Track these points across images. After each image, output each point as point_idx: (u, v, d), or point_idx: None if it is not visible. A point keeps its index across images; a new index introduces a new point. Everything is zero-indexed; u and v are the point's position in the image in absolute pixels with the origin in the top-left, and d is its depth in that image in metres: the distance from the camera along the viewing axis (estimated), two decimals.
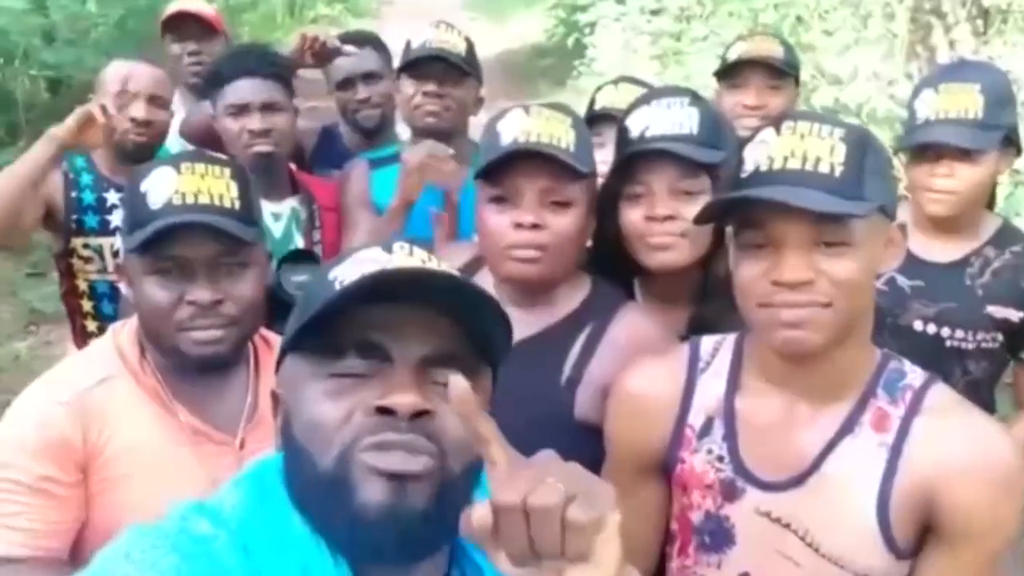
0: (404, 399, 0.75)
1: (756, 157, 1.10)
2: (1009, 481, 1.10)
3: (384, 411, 0.76)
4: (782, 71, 2.39)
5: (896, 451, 1.13)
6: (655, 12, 7.49)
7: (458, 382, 0.70)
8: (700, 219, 1.18)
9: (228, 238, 1.30)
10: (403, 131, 2.52)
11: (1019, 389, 2.02)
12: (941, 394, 1.17)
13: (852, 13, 5.99)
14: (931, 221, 1.94)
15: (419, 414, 0.76)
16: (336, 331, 0.80)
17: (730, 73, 2.45)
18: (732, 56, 2.50)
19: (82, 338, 2.27)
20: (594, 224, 1.50)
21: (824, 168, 1.06)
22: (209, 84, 2.19)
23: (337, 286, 0.80)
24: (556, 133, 1.40)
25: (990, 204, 2.03)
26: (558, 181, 1.39)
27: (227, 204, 1.32)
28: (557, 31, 10.44)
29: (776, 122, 1.12)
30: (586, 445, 1.29)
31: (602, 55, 7.88)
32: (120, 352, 1.38)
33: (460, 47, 2.20)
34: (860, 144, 1.09)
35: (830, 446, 1.15)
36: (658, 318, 1.50)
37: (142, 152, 2.16)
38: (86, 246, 2.26)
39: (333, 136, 2.70)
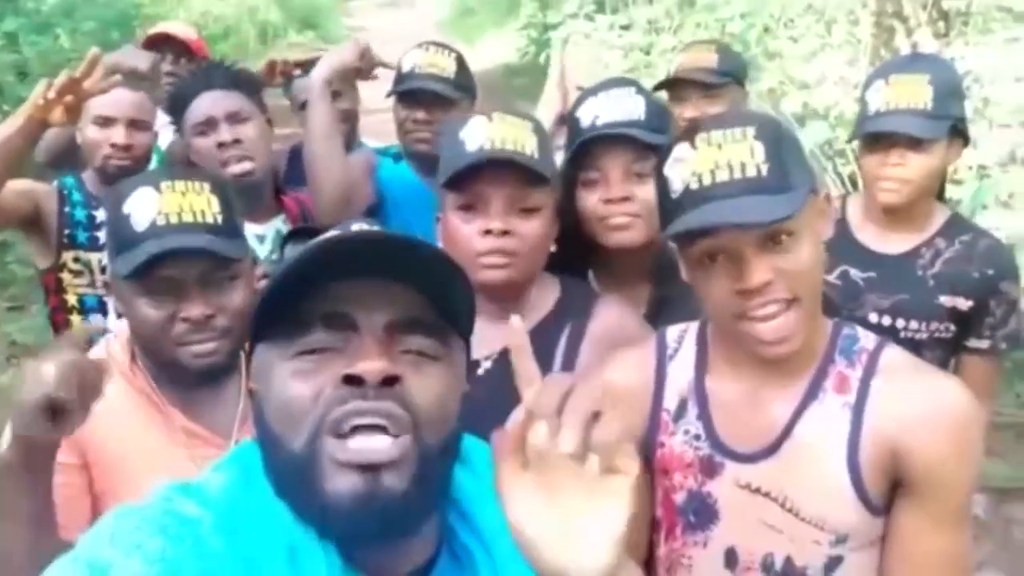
0: (371, 365, 0.74)
1: (681, 175, 1.13)
2: (966, 428, 1.14)
3: (352, 380, 0.74)
4: (713, 83, 2.45)
5: (858, 410, 1.17)
6: (625, 27, 7.59)
7: (515, 319, 0.72)
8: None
9: (216, 256, 1.32)
10: (368, 142, 2.57)
11: (964, 377, 1.98)
12: (893, 354, 1.21)
13: (817, 20, 6.11)
14: (883, 213, 1.97)
15: (388, 381, 0.75)
16: (299, 308, 0.79)
17: (669, 88, 2.53)
18: (672, 69, 2.60)
19: None
20: (557, 227, 1.50)
21: (751, 171, 1.09)
22: (174, 111, 2.14)
23: (290, 261, 0.80)
24: (520, 139, 1.41)
25: (940, 195, 2.07)
26: (525, 188, 1.40)
27: (210, 220, 1.33)
28: (529, 50, 10.54)
29: (688, 136, 1.14)
30: None
31: (574, 71, 7.95)
32: (111, 358, 1.38)
33: (450, 69, 2.20)
34: (774, 137, 1.12)
35: (798, 413, 1.19)
36: (619, 296, 1.55)
37: (124, 176, 2.17)
38: (76, 260, 2.29)
39: (302, 156, 2.73)
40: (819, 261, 1.16)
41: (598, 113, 1.57)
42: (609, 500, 0.68)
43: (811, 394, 1.20)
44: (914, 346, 1.93)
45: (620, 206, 1.53)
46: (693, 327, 1.31)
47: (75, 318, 2.32)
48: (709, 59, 2.52)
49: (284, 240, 1.95)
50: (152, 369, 1.39)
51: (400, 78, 2.21)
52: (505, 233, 1.39)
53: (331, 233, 0.82)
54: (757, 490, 1.20)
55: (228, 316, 1.34)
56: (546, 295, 1.51)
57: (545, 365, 1.43)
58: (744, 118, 1.16)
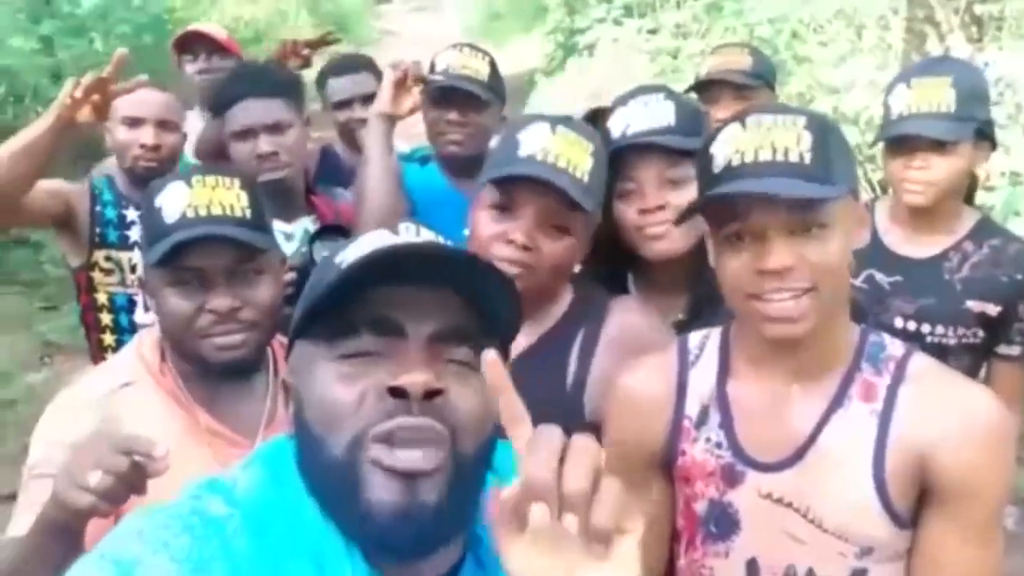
0: (416, 378, 0.74)
1: (726, 152, 1.13)
2: (997, 437, 1.12)
3: (396, 392, 0.75)
4: (746, 84, 2.44)
5: (885, 418, 1.15)
6: (652, 31, 7.58)
7: (490, 354, 0.70)
8: (684, 217, 1.22)
9: (243, 246, 1.34)
10: (399, 144, 2.58)
11: (994, 385, 1.98)
12: (922, 361, 1.19)
13: (847, 24, 6.06)
14: (910, 215, 1.96)
15: (431, 394, 0.75)
16: (347, 311, 0.79)
17: (701, 90, 2.52)
18: (702, 72, 2.58)
19: (100, 353, 2.33)
20: (587, 251, 1.48)
21: (794, 157, 1.09)
22: (214, 109, 2.20)
23: (344, 266, 0.80)
24: (574, 159, 1.38)
25: (969, 199, 2.04)
26: (561, 207, 1.38)
27: (239, 214, 1.36)
28: (556, 55, 10.54)
29: (740, 117, 1.15)
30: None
31: (602, 76, 7.96)
32: (142, 358, 1.42)
33: (483, 72, 2.19)
34: (823, 131, 1.12)
35: (823, 421, 1.17)
36: (656, 307, 1.54)
37: (154, 176, 2.20)
38: (108, 259, 2.32)
39: (332, 155, 2.76)
40: (846, 263, 1.14)
41: (629, 122, 1.54)
42: (615, 560, 0.65)
43: (836, 402, 1.17)
44: (941, 352, 1.90)
45: (656, 215, 1.50)
46: (716, 332, 1.29)
47: (104, 316, 2.35)
48: (742, 61, 2.51)
49: (312, 238, 1.96)
50: (180, 367, 1.40)
51: (431, 80, 2.22)
52: (526, 248, 1.37)
53: (386, 243, 0.81)
54: (779, 500, 1.18)
55: (254, 310, 1.35)
56: (560, 299, 1.49)
57: (559, 369, 1.44)
58: (797, 109, 1.16)
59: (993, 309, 1.92)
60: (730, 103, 2.41)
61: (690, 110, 1.57)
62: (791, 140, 1.10)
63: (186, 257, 1.32)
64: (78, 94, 1.88)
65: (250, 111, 2.05)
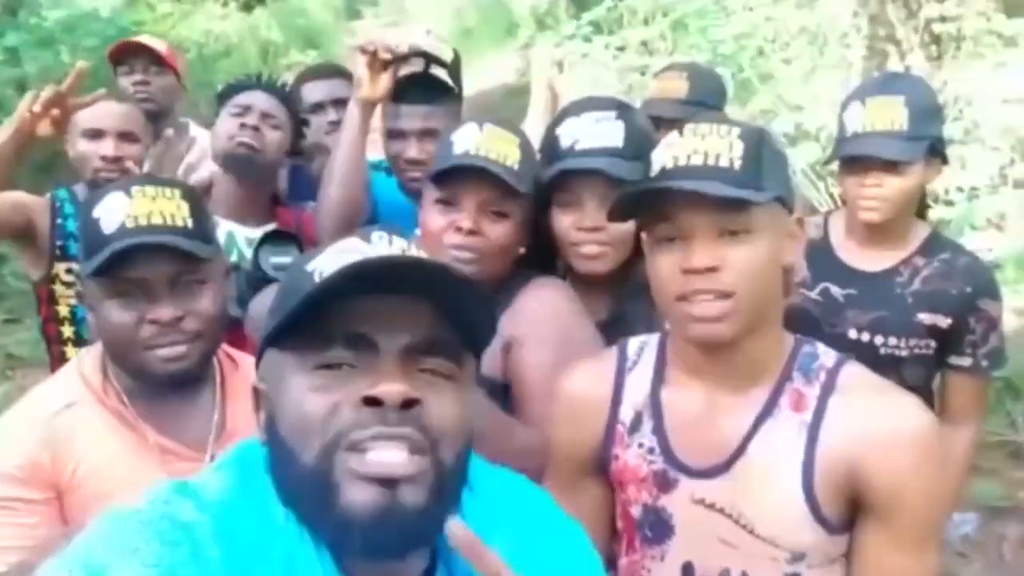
0: (392, 388, 0.75)
1: (661, 158, 1.17)
2: (926, 448, 1.13)
3: (372, 402, 0.75)
4: (676, 118, 2.48)
5: (814, 429, 1.16)
6: (620, 48, 7.65)
7: (455, 526, 0.71)
8: (613, 216, 1.25)
9: (184, 256, 1.32)
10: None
11: (945, 395, 2.04)
12: (853, 371, 1.21)
13: (810, 42, 6.16)
14: (864, 230, 1.99)
15: (408, 404, 0.76)
16: (321, 323, 0.79)
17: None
18: (645, 97, 2.66)
19: (60, 366, 2.29)
20: (526, 235, 1.60)
21: (724, 163, 1.13)
22: (221, 98, 2.27)
23: (317, 277, 0.80)
24: (504, 150, 1.52)
25: (920, 213, 2.09)
26: (498, 194, 1.52)
27: (179, 223, 1.34)
28: (527, 71, 10.58)
29: (680, 127, 1.19)
30: (487, 398, 1.41)
31: (571, 92, 8.01)
32: (83, 378, 1.39)
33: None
34: (757, 141, 1.16)
35: (752, 430, 1.19)
36: (582, 301, 1.60)
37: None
38: (68, 271, 2.31)
39: (301, 171, 2.76)
40: (771, 273, 1.16)
41: (578, 137, 1.59)
42: None
43: (766, 411, 1.19)
44: (895, 362, 1.95)
45: (592, 235, 1.57)
46: (654, 339, 1.31)
47: (66, 329, 2.34)
48: (678, 88, 2.57)
49: (259, 242, 1.96)
50: (124, 384, 1.38)
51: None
52: (473, 232, 1.50)
53: (354, 255, 0.82)
54: (712, 506, 1.20)
55: (197, 320, 1.34)
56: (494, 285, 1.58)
57: None
58: (735, 123, 1.20)
59: (944, 321, 1.95)
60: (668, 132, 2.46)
61: (639, 133, 1.61)
62: (723, 147, 1.14)
63: (127, 268, 1.30)
64: (37, 108, 1.88)
65: (252, 96, 2.20)
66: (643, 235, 1.24)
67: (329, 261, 0.82)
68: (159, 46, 2.97)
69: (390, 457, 0.75)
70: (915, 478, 1.13)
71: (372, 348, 0.78)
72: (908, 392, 1.21)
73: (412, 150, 2.07)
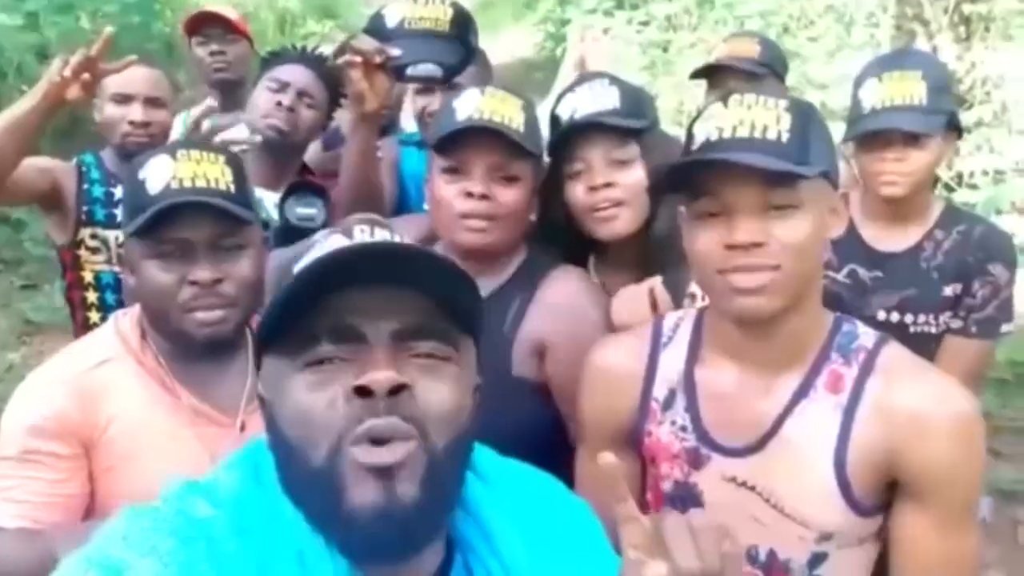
0: (378, 376, 0.75)
1: (706, 130, 1.14)
2: (967, 429, 1.12)
3: (361, 391, 0.75)
4: (754, 72, 2.45)
5: (850, 412, 1.15)
6: (643, 23, 7.56)
7: (606, 457, 0.76)
8: (656, 189, 1.23)
9: (226, 218, 1.33)
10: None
11: (939, 360, 1.98)
12: (893, 352, 1.19)
13: (836, 20, 6.08)
14: (884, 208, 1.97)
15: (397, 390, 0.75)
16: (307, 321, 0.79)
17: (707, 75, 2.53)
18: (712, 58, 2.60)
19: (85, 332, 2.29)
20: (537, 203, 1.59)
21: (771, 135, 1.10)
22: (263, 67, 2.28)
23: (294, 276, 0.79)
24: (507, 113, 1.50)
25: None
26: (506, 157, 1.49)
27: (223, 187, 1.36)
28: (547, 45, 10.51)
29: (723, 97, 1.16)
30: (525, 401, 1.41)
31: (591, 67, 7.93)
32: (121, 336, 1.40)
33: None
34: (804, 114, 1.13)
35: (787, 410, 1.17)
36: (614, 285, 1.60)
37: (143, 153, 2.20)
38: (94, 236, 2.31)
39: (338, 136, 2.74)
40: (816, 248, 1.14)
41: (576, 107, 1.61)
42: None
43: (802, 391, 1.18)
44: (927, 340, 1.94)
45: (604, 192, 1.56)
46: (690, 315, 1.30)
47: (90, 294, 2.34)
48: (751, 50, 2.53)
49: (284, 195, 1.97)
50: (161, 345, 1.39)
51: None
52: (484, 197, 1.47)
53: (333, 247, 0.81)
54: (743, 484, 1.19)
55: (235, 284, 1.35)
56: (512, 262, 1.58)
57: (496, 331, 1.50)
58: (780, 94, 1.17)
59: (959, 288, 1.95)
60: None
61: (634, 94, 1.64)
62: (770, 119, 1.11)
63: (169, 228, 1.32)
64: (67, 73, 1.87)
65: (293, 71, 2.20)
66: (681, 209, 1.21)
67: (307, 258, 0.82)
68: (231, 14, 2.98)
69: (381, 451, 0.75)
70: (957, 463, 1.11)
71: (360, 339, 0.78)
72: (947, 374, 1.20)
73: (438, 102, 2.08)
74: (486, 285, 1.53)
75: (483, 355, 1.45)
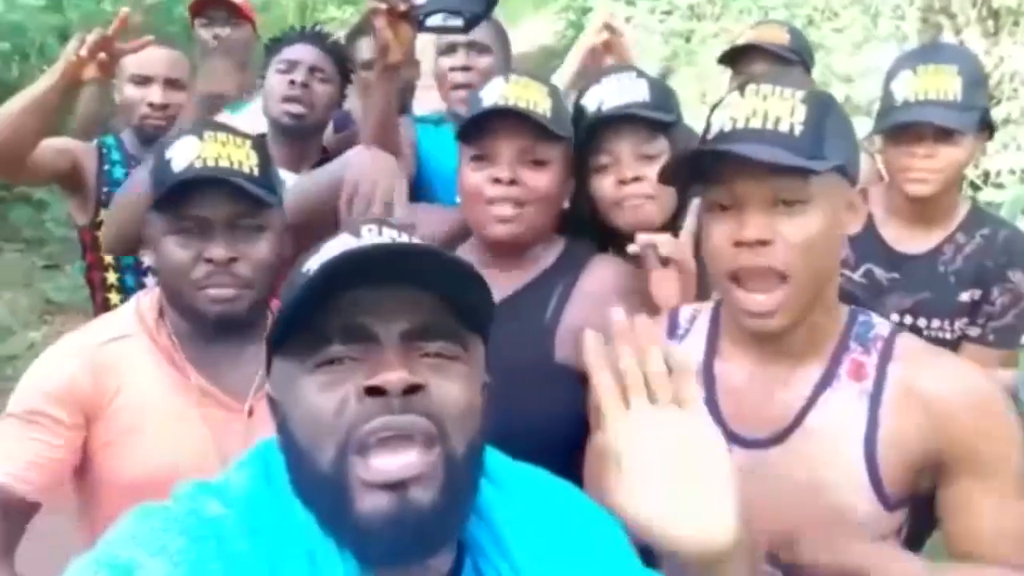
0: (392, 375, 0.74)
1: (720, 119, 1.13)
2: (997, 402, 1.12)
3: (375, 391, 0.74)
4: (784, 57, 2.41)
5: (876, 397, 1.14)
6: (666, 12, 7.52)
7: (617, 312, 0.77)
8: (664, 178, 1.21)
9: (245, 198, 1.34)
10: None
11: None
12: (909, 340, 1.19)
13: (862, 12, 6.01)
14: (908, 207, 1.91)
15: (411, 390, 0.75)
16: (318, 322, 0.78)
17: (735, 60, 2.48)
18: (739, 42, 2.53)
19: (104, 312, 2.30)
20: (572, 186, 1.57)
21: (784, 127, 1.08)
22: (268, 52, 2.26)
23: (306, 278, 0.79)
24: (533, 98, 1.48)
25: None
26: (534, 141, 1.47)
27: (246, 170, 1.36)
28: (567, 33, 10.46)
29: (742, 85, 1.14)
30: (566, 388, 1.37)
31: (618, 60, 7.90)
32: (139, 314, 1.42)
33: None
34: (821, 106, 1.10)
35: (811, 400, 1.16)
36: (639, 274, 1.55)
37: (162, 134, 2.20)
38: None
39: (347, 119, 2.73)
40: (829, 247, 1.12)
41: (603, 98, 1.58)
42: (694, 413, 0.77)
43: (825, 381, 1.16)
44: (941, 345, 1.89)
45: (633, 186, 1.54)
46: (707, 307, 1.28)
47: (110, 275, 2.35)
48: (780, 36, 2.47)
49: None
50: (176, 324, 1.40)
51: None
52: (513, 183, 1.46)
53: (343, 248, 0.80)
54: (764, 476, 1.17)
55: (250, 265, 1.36)
56: (549, 251, 1.56)
57: (538, 316, 1.49)
58: (799, 83, 1.14)
59: (976, 294, 1.90)
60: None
61: (662, 88, 1.62)
62: (784, 110, 1.09)
63: (189, 204, 1.33)
64: (83, 52, 1.89)
65: (300, 50, 2.18)
66: (697, 200, 1.20)
67: (318, 259, 0.80)
68: None
69: (397, 461, 0.74)
70: (999, 430, 1.11)
71: (371, 339, 0.77)
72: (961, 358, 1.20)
73: (460, 59, 2.08)
74: (521, 277, 1.53)
75: (524, 343, 1.47)
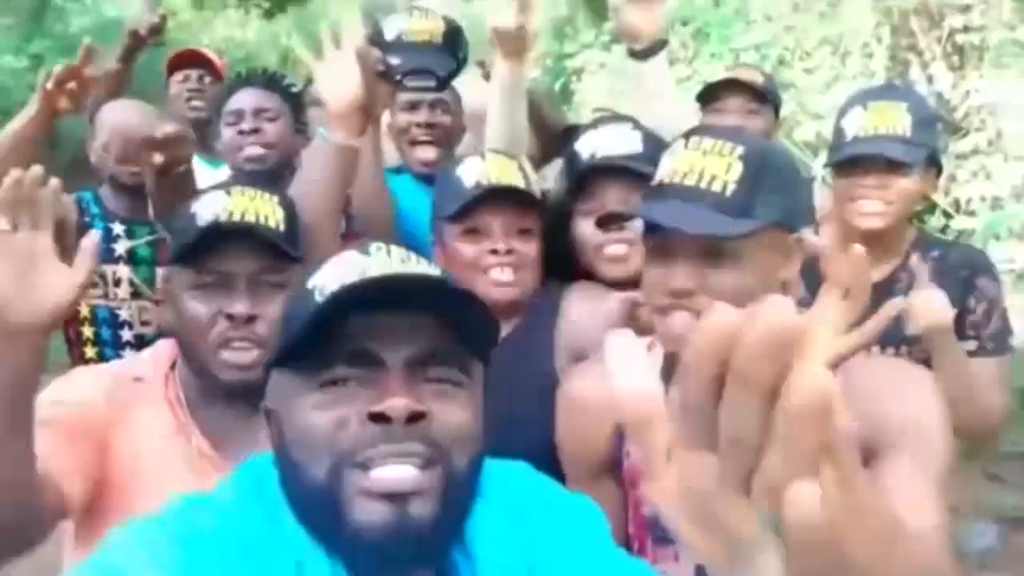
0: (398, 403, 0.75)
1: (664, 168, 1.17)
2: (927, 386, 1.15)
3: (379, 418, 0.75)
4: (761, 95, 2.48)
5: None
6: None
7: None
8: (605, 224, 1.30)
9: (270, 253, 1.32)
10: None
11: (979, 382, 1.90)
12: (857, 359, 1.19)
13: (832, 52, 6.15)
14: (860, 240, 1.93)
15: (415, 418, 0.75)
16: (324, 342, 0.78)
17: (711, 97, 2.54)
18: (715, 80, 2.62)
19: (82, 365, 2.31)
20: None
21: (716, 186, 1.11)
22: (216, 111, 2.27)
23: (317, 296, 0.80)
24: (512, 173, 1.59)
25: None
26: (521, 213, 1.58)
27: (273, 224, 1.35)
28: (545, 79, 10.62)
29: (688, 134, 1.17)
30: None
31: (589, 100, 8.03)
32: (155, 360, 1.39)
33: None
34: (758, 162, 1.13)
35: None
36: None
37: (140, 187, 2.21)
38: (92, 271, 2.30)
39: None
40: (758, 294, 1.13)
41: (597, 146, 1.64)
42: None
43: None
44: None
45: (617, 234, 1.58)
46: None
47: (86, 329, 2.33)
48: (756, 76, 2.58)
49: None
50: (187, 381, 1.36)
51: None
52: (509, 252, 1.55)
53: (351, 269, 0.82)
54: None
55: (268, 324, 1.30)
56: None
57: (537, 347, 1.58)
58: (740, 137, 1.17)
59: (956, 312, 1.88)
60: (740, 112, 2.43)
61: (655, 141, 1.64)
62: (720, 168, 1.12)
63: (211, 259, 1.31)
64: (50, 85, 1.94)
65: (242, 96, 2.20)
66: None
67: (328, 277, 0.81)
68: (214, 57, 3.07)
69: (397, 472, 0.75)
70: (920, 411, 1.13)
71: (376, 363, 0.78)
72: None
73: (424, 115, 2.13)
74: (511, 322, 1.61)
75: (530, 377, 1.53)
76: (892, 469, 1.11)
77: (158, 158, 2.06)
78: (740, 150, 1.13)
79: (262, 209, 1.36)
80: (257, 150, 2.15)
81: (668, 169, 1.16)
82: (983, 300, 1.91)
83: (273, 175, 2.17)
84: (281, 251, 1.34)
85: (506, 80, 1.81)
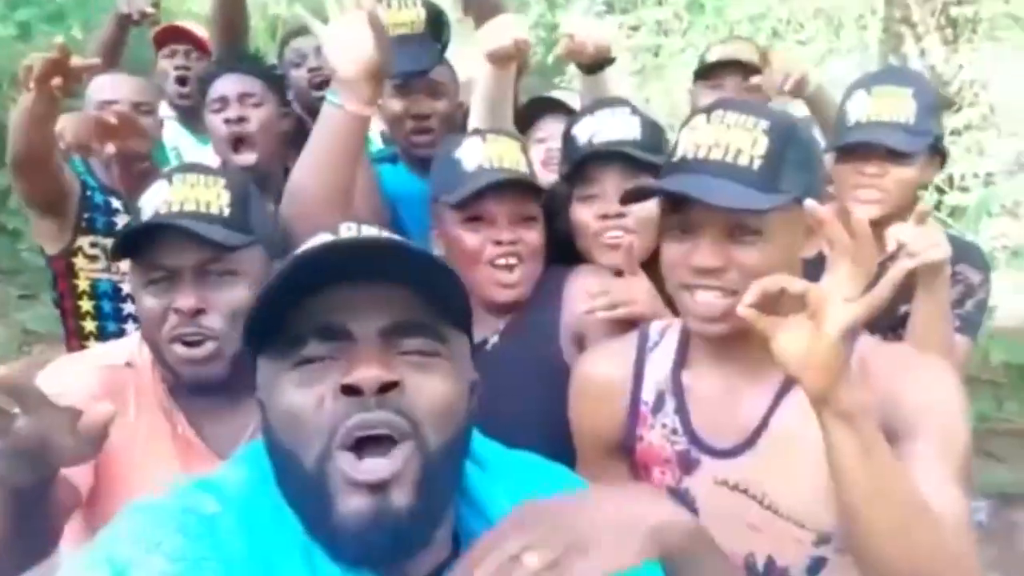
0: (367, 373, 0.73)
1: (685, 143, 1.15)
2: (948, 374, 1.14)
3: (350, 389, 0.74)
4: (757, 71, 2.47)
5: None
6: (634, 28, 7.61)
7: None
8: (627, 200, 1.24)
9: (208, 243, 1.26)
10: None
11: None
12: (867, 341, 1.20)
13: (826, 24, 6.13)
14: None
15: (386, 387, 0.74)
16: (294, 321, 0.77)
17: (707, 74, 2.53)
18: (710, 58, 2.59)
19: (79, 340, 2.29)
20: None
21: (743, 160, 1.10)
22: (200, 93, 2.22)
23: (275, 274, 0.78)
24: (514, 157, 1.55)
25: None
26: (524, 201, 1.55)
27: (214, 211, 1.29)
28: (537, 50, 10.54)
29: (708, 109, 1.16)
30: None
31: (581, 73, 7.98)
32: (143, 345, 1.36)
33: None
34: (783, 136, 1.12)
35: (773, 405, 1.18)
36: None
37: (128, 160, 2.19)
38: (93, 244, 2.27)
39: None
40: (783, 271, 1.11)
41: (595, 131, 1.61)
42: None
43: (786, 385, 1.17)
44: None
45: (615, 221, 1.57)
46: (677, 322, 1.30)
47: (84, 303, 2.31)
48: (751, 52, 2.55)
49: None
50: (164, 374, 1.34)
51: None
52: (513, 243, 1.53)
53: (315, 241, 0.80)
54: (735, 487, 1.18)
55: (220, 315, 1.27)
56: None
57: (544, 328, 1.55)
58: (765, 111, 1.16)
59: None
60: (737, 89, 2.42)
61: (653, 126, 1.64)
62: (746, 142, 1.11)
63: (154, 254, 1.27)
64: (30, 86, 1.83)
65: (225, 82, 2.15)
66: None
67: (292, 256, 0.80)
68: (201, 33, 3.01)
69: (381, 461, 0.74)
70: (944, 398, 1.11)
71: (347, 337, 0.76)
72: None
73: (416, 105, 2.04)
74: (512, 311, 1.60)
75: (538, 361, 1.53)
76: (914, 454, 1.10)
77: (110, 148, 2.06)
78: (764, 124, 1.12)
79: (203, 196, 1.30)
80: (250, 158, 2.11)
81: (691, 143, 1.14)
82: (959, 284, 1.90)
83: (265, 171, 2.12)
84: (227, 237, 1.28)
85: (492, 89, 1.80)
